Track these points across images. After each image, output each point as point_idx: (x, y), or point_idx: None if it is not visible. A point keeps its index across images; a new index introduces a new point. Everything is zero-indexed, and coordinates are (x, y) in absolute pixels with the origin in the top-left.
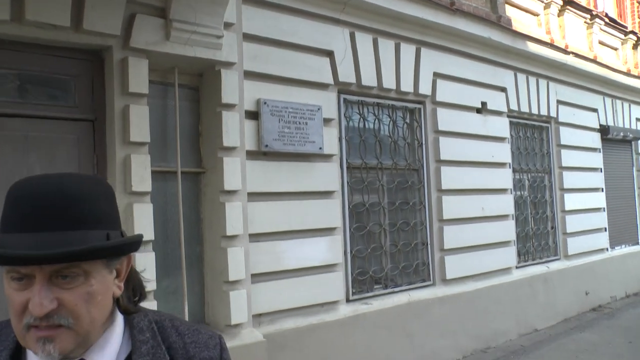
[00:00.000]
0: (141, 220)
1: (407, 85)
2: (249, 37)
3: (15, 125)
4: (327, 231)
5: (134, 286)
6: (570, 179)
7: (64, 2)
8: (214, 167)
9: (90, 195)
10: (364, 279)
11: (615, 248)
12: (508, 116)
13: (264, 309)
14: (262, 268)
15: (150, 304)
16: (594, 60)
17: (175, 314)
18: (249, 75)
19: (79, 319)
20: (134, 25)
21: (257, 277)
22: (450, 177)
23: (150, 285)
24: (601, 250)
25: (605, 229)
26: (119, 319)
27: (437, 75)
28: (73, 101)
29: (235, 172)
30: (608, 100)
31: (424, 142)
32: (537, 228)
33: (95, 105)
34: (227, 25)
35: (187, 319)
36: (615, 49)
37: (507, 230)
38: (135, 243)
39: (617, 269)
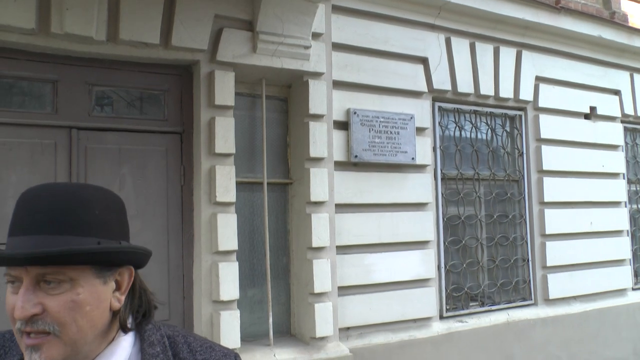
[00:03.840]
0: (225, 230)
1: (506, 91)
2: (338, 47)
3: (110, 138)
4: (420, 244)
5: (139, 303)
6: None
7: (154, 20)
8: (301, 178)
9: (85, 203)
10: (459, 296)
11: None
12: (622, 121)
13: (353, 323)
14: (351, 281)
15: (233, 314)
16: None
17: (189, 331)
18: (339, 85)
19: (64, 326)
20: (221, 39)
21: (345, 290)
22: (554, 189)
23: (234, 295)
24: None
25: None
26: (129, 332)
27: (539, 79)
28: (162, 115)
29: (322, 183)
30: None
31: (524, 151)
32: None
33: (184, 118)
34: (316, 35)
35: (271, 329)
36: None
37: (621, 247)
38: (131, 254)
39: None
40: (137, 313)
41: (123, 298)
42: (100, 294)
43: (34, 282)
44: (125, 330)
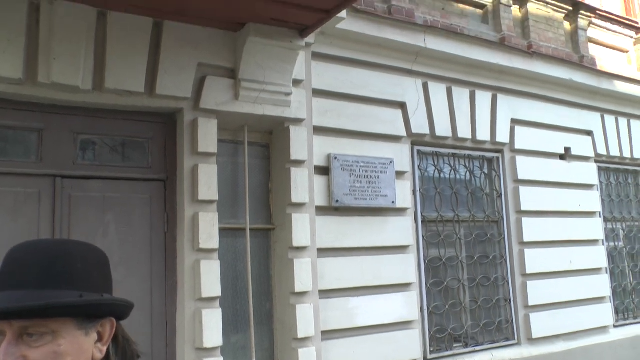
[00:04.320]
0: (208, 277)
1: (483, 134)
2: (319, 93)
3: (95, 186)
4: (402, 287)
5: (122, 353)
6: None
7: (139, 69)
8: (283, 224)
9: (67, 258)
10: (443, 337)
11: None
12: (596, 161)
13: None
14: (334, 325)
15: None
16: None
17: None
18: (319, 130)
19: None
20: (204, 87)
21: (328, 334)
22: (533, 229)
23: (217, 341)
24: None
25: None
26: None
27: (515, 121)
28: (146, 162)
29: (304, 229)
30: None
31: (503, 193)
32: (638, 283)
33: (167, 165)
34: (296, 82)
35: None
36: None
37: (601, 284)
38: (113, 306)
39: None
40: None
41: (105, 349)
42: (82, 345)
43: (17, 335)
44: None
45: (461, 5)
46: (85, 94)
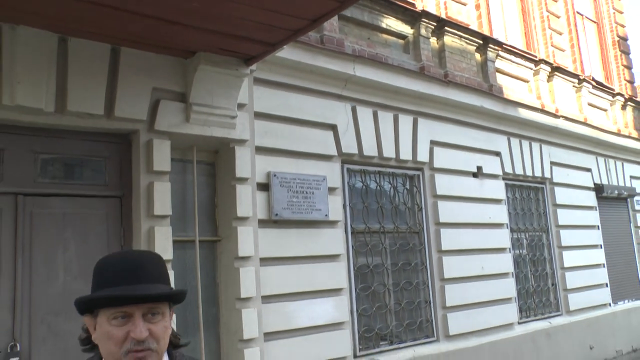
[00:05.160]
0: None
1: (406, 154)
2: (260, 115)
3: (55, 203)
4: (334, 292)
5: (172, 333)
6: (568, 237)
7: (98, 93)
8: (229, 236)
9: (156, 263)
10: (370, 336)
11: (618, 303)
12: (503, 179)
13: None
14: (274, 327)
15: None
16: (584, 123)
17: None
18: (260, 150)
19: (159, 344)
20: (159, 110)
21: (269, 336)
22: (450, 239)
23: None
24: (604, 305)
25: (607, 284)
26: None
27: (433, 143)
28: (103, 180)
29: (248, 240)
30: (601, 160)
31: (423, 206)
32: (538, 285)
33: (123, 183)
34: (240, 106)
35: None
36: (605, 110)
37: (508, 287)
38: (185, 294)
39: (621, 324)
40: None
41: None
42: (169, 322)
43: (142, 315)
44: (174, 346)
45: (385, 36)
46: (47, 115)
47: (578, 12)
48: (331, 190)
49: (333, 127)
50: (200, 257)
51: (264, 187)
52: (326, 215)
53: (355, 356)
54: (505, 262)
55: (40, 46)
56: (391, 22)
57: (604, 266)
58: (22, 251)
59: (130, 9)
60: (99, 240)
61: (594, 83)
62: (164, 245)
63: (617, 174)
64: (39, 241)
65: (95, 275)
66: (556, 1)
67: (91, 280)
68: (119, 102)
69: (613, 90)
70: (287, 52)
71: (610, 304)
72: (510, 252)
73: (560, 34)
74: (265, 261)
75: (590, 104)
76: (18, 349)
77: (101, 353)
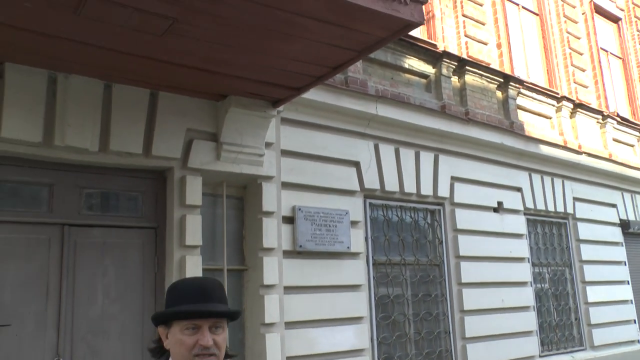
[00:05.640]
0: None
1: (427, 189)
2: (286, 153)
3: (97, 233)
4: (355, 320)
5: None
6: (592, 272)
7: (138, 133)
8: (255, 265)
9: (220, 287)
10: None
11: None
12: (524, 214)
13: None
14: (297, 352)
15: None
16: (609, 159)
17: None
18: (286, 185)
19: (220, 352)
20: (192, 149)
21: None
22: (470, 272)
23: None
24: (631, 342)
25: (635, 320)
26: None
27: (454, 178)
28: (140, 213)
29: (273, 269)
30: (627, 195)
31: (444, 240)
32: (560, 319)
33: (158, 215)
34: (268, 144)
35: None
36: (632, 146)
37: (528, 320)
38: (239, 314)
39: None
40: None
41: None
42: (227, 336)
43: (208, 328)
44: (227, 357)
45: (407, 75)
46: (92, 154)
47: (602, 49)
48: (353, 223)
49: (356, 164)
50: (228, 284)
51: (289, 220)
52: (348, 247)
53: None
54: (526, 296)
55: (89, 92)
56: (413, 63)
57: (632, 302)
58: (67, 276)
59: (168, 59)
60: (135, 267)
61: (618, 119)
62: (194, 273)
63: None
64: (81, 267)
65: (171, 294)
66: (579, 38)
67: (125, 303)
68: (156, 142)
69: (639, 126)
70: (312, 94)
71: (638, 341)
72: (531, 285)
73: (584, 70)
74: (289, 289)
75: (615, 140)
76: None
77: (172, 356)
